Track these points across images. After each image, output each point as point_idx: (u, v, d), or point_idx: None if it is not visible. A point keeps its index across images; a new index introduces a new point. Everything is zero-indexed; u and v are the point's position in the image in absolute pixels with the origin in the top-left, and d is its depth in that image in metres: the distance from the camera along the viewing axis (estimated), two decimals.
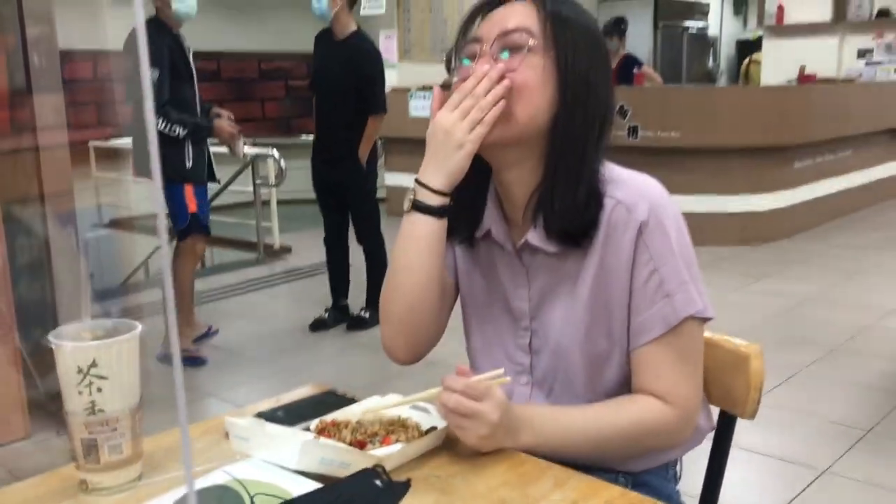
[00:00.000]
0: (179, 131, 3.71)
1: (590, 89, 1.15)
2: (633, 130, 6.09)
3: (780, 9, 9.04)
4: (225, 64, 9.06)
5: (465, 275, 1.30)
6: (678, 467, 1.37)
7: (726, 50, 12.73)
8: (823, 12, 8.79)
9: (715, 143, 6.06)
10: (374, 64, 4.25)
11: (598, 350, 1.19)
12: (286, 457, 0.96)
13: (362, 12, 7.52)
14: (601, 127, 1.17)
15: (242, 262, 6.08)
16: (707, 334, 1.25)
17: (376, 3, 7.56)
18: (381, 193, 7.62)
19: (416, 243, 1.17)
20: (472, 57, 1.17)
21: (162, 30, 3.74)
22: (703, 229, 6.12)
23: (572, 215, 1.14)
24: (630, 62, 7.14)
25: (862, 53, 8.71)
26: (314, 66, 4.42)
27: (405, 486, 0.85)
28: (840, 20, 8.75)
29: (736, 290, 5.06)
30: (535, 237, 1.18)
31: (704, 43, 11.43)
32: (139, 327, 0.97)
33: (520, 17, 1.15)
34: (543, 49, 1.13)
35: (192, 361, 3.90)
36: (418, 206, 1.16)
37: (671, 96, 6.58)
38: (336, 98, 4.24)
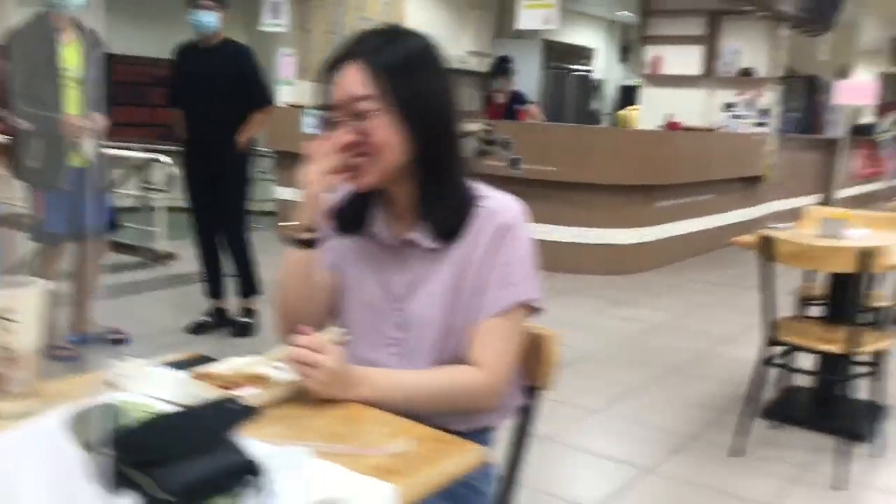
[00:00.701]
0: (26, 124, 3.73)
1: (428, 112, 1.44)
2: (514, 162, 6.48)
3: (657, 59, 9.73)
4: (119, 67, 9.02)
5: (348, 265, 1.58)
6: (493, 435, 1.66)
7: (611, 94, 13.47)
8: (695, 66, 9.52)
9: (588, 178, 6.47)
10: (254, 61, 4.45)
11: (450, 325, 1.48)
12: (162, 390, 1.19)
13: (262, 27, 7.68)
14: (449, 135, 1.48)
15: (125, 265, 6.11)
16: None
17: (277, 21, 7.72)
18: (270, 207, 7.81)
19: (294, 268, 1.51)
20: (332, 120, 1.44)
21: (39, 26, 3.77)
22: (572, 258, 6.55)
23: (447, 219, 1.46)
24: (515, 99, 7.55)
25: (727, 107, 9.45)
26: (182, 77, 4.49)
27: (254, 410, 1.10)
28: (709, 74, 9.48)
29: (595, 314, 5.49)
30: (416, 236, 1.48)
31: (589, 86, 12.07)
32: (45, 284, 1.19)
33: (358, 82, 1.40)
34: (385, 105, 1.40)
35: (64, 359, 3.92)
36: (295, 241, 1.48)
37: (551, 133, 6.96)
38: (215, 102, 4.38)
